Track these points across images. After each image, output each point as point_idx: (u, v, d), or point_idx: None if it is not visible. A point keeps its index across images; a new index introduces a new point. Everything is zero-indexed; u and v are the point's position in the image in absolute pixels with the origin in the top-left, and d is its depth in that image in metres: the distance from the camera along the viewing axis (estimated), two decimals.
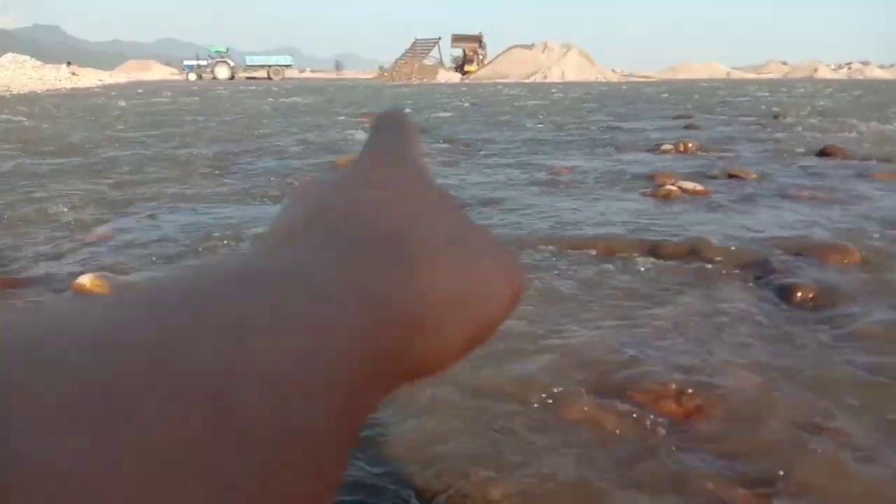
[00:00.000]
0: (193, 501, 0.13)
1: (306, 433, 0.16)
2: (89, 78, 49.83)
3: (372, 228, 0.22)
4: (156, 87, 35.65)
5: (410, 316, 0.21)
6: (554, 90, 32.31)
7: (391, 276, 0.21)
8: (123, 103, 20.06)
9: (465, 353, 0.24)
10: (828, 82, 49.50)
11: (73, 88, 35.26)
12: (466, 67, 68.48)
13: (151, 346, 0.14)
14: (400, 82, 55.95)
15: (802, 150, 8.14)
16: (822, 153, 7.62)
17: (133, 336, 0.14)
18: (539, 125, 12.66)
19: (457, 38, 69.73)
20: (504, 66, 66.39)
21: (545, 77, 62.64)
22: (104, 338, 0.14)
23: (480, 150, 8.76)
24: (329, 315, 0.18)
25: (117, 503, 0.12)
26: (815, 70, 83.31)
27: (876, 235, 4.08)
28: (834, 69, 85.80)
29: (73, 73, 49.15)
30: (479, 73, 66.49)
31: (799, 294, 3.09)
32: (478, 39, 69.55)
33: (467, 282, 0.24)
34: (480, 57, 70.19)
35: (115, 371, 0.13)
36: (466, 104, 20.21)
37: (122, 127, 12.13)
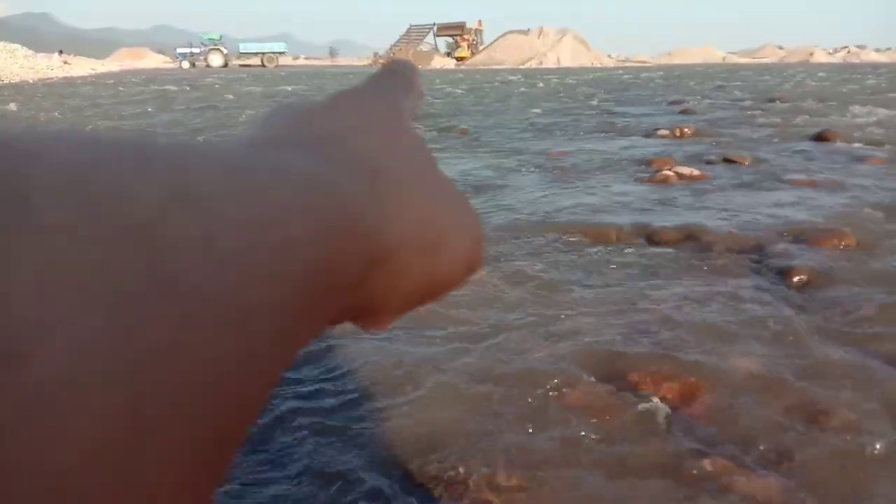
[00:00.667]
0: (102, 331, 0.12)
1: (242, 307, 0.15)
2: (81, 66, 49.39)
3: (348, 153, 0.22)
4: (149, 76, 35.43)
5: (376, 244, 0.20)
6: (550, 76, 32.20)
7: (363, 199, 0.20)
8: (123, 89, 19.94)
9: (415, 305, 0.24)
10: (824, 66, 49.39)
11: (64, 77, 35.00)
12: (458, 53, 68.32)
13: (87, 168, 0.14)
14: None
15: (798, 134, 8.14)
16: (818, 137, 7.62)
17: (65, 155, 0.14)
18: (535, 111, 12.62)
19: (441, 28, 69.68)
20: (499, 52, 66.08)
21: (540, 63, 62.39)
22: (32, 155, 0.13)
23: (477, 136, 8.74)
24: (295, 207, 0.17)
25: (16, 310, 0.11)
26: (811, 54, 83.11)
27: (871, 219, 4.10)
28: (830, 53, 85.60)
29: (65, 62, 48.73)
30: (475, 60, 66.22)
31: (795, 278, 3.11)
32: (461, 27, 69.41)
33: (434, 228, 0.23)
34: (474, 42, 69.93)
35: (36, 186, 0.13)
36: (461, 90, 20.13)
37: (112, 113, 12.07)
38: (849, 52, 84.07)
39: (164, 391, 0.13)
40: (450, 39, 71.22)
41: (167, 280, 0.13)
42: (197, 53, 68.73)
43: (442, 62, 63.75)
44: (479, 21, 73.32)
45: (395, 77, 0.29)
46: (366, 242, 0.20)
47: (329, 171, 0.20)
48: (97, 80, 29.45)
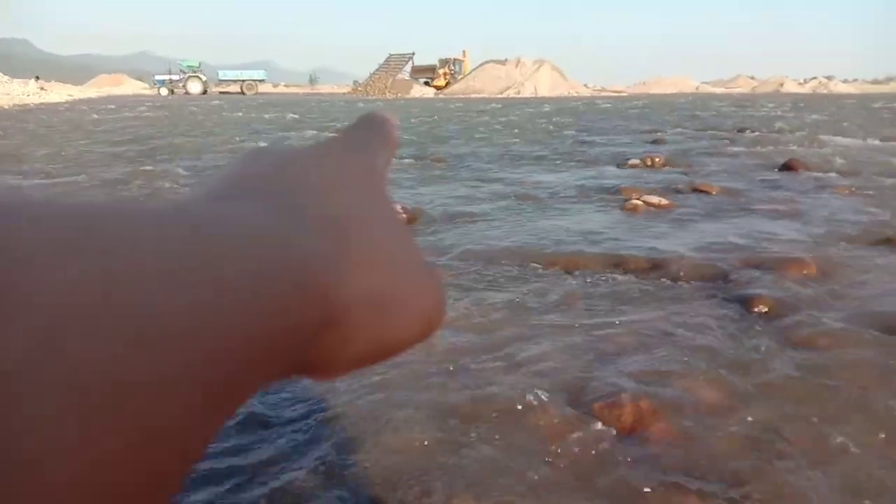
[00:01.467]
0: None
1: (167, 392, 0.14)
2: (59, 93, 49.15)
3: (315, 210, 0.21)
4: (128, 104, 35.30)
5: (328, 307, 0.20)
6: (526, 105, 32.62)
7: (322, 260, 0.20)
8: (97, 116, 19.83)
9: (365, 364, 0.23)
10: (793, 96, 50.60)
11: (40, 103, 34.77)
12: (435, 83, 69.31)
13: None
14: (374, 97, 56.06)
15: (766, 163, 8.32)
16: (785, 167, 7.80)
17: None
18: (511, 140, 12.76)
19: (415, 70, 71.13)
20: (478, 82, 66.82)
21: (518, 92, 63.16)
22: None
23: (453, 165, 8.81)
24: (246, 276, 0.17)
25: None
26: (782, 84, 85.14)
27: (833, 247, 4.20)
28: (801, 84, 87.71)
29: (42, 88, 48.47)
30: (454, 88, 66.87)
31: (757, 307, 3.16)
32: (432, 69, 70.99)
33: (391, 293, 0.23)
34: (452, 72, 70.90)
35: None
36: (438, 118, 20.31)
37: (88, 142, 12.00)
38: (819, 82, 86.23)
39: (56, 494, 0.12)
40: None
41: (78, 382, 0.13)
42: (176, 80, 68.64)
43: (421, 91, 64.27)
44: (465, 52, 74.47)
45: (372, 129, 0.29)
46: (318, 305, 0.19)
47: (290, 230, 0.19)
48: (73, 106, 29.30)
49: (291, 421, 2.25)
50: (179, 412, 0.15)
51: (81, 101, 41.02)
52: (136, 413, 0.14)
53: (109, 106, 30.20)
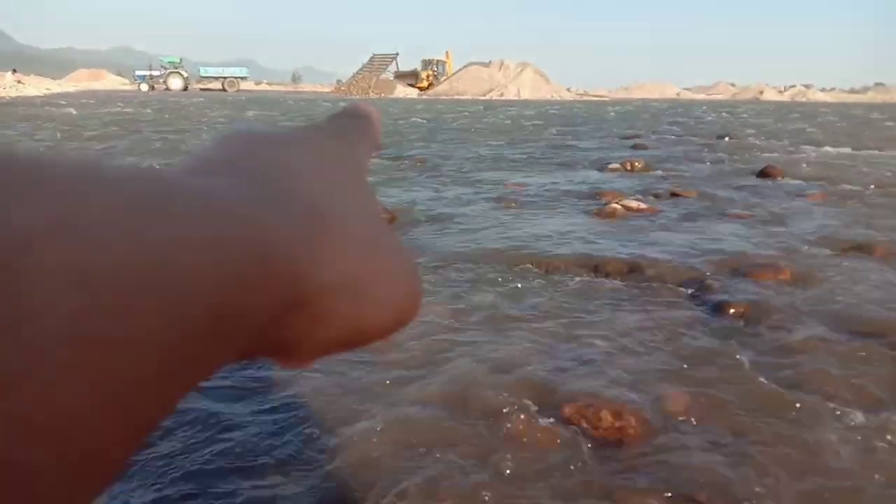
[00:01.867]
0: None
1: (115, 350, 0.14)
2: (36, 87, 48.40)
3: (291, 191, 0.21)
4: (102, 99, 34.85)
5: (296, 288, 0.20)
6: (509, 107, 32.71)
7: (292, 241, 0.20)
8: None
9: (336, 350, 0.23)
10: (773, 103, 51.31)
11: (17, 97, 34.23)
12: (418, 84, 69.27)
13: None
14: (357, 97, 55.92)
15: (743, 169, 8.41)
16: (762, 173, 7.89)
17: None
18: (493, 142, 12.78)
19: (398, 75, 71.07)
20: (461, 84, 66.89)
21: (501, 94, 63.31)
22: None
23: (434, 166, 8.80)
24: (207, 245, 0.16)
25: None
26: (762, 92, 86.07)
27: (807, 253, 4.25)
28: (780, 91, 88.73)
29: (19, 81, 47.69)
30: (438, 90, 66.88)
31: (731, 311, 3.19)
32: (415, 75, 71.01)
33: (366, 280, 0.23)
34: (435, 73, 70.86)
35: None
36: (420, 119, 20.30)
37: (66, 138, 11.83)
38: (797, 90, 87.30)
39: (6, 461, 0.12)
40: (416, 68, 72.35)
41: (13, 320, 0.12)
42: (157, 76, 67.85)
43: (404, 91, 64.21)
44: (448, 52, 74.31)
45: (354, 119, 0.29)
46: (285, 285, 0.19)
47: (261, 208, 0.19)
48: (50, 101, 28.89)
49: (261, 416, 2.23)
50: (135, 371, 0.14)
51: (59, 95, 40.45)
52: (87, 370, 0.13)
53: (89, 101, 29.81)
